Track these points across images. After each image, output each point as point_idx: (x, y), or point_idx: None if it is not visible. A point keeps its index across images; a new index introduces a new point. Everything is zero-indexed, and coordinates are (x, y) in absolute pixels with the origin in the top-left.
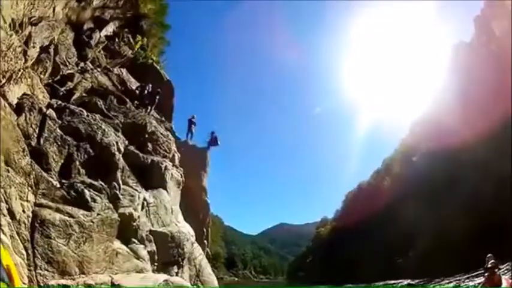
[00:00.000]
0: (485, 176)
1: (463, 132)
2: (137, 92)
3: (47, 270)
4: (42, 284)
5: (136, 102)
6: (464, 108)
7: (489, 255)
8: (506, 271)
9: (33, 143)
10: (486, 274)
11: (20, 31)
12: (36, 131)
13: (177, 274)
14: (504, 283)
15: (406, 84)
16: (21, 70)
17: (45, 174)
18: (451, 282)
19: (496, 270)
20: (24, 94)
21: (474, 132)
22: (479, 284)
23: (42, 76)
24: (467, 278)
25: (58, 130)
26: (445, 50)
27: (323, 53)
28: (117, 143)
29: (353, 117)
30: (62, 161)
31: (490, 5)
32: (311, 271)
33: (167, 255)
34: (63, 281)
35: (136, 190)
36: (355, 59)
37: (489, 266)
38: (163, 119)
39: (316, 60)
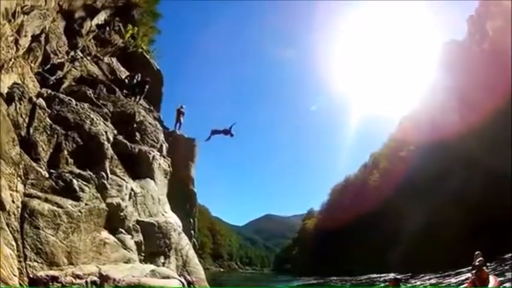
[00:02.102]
0: (474, 171)
1: (453, 127)
2: (126, 81)
3: (36, 262)
4: (31, 276)
5: (125, 91)
6: (454, 104)
7: (477, 252)
8: (491, 270)
9: (23, 133)
10: (474, 271)
11: (13, 20)
12: (26, 120)
13: (163, 264)
14: (492, 281)
15: (398, 80)
16: (12, 59)
17: (34, 164)
18: (431, 278)
19: (484, 267)
20: (14, 83)
21: (464, 127)
22: (465, 280)
23: (32, 65)
24: (450, 274)
25: (47, 119)
26: (436, 47)
27: (319, 50)
28: (106, 132)
29: (348, 114)
30: (51, 150)
31: (485, 4)
32: (297, 263)
33: (154, 245)
34: (51, 272)
35: (124, 180)
36: (350, 56)
37: (477, 263)
38: (151, 108)
39: (311, 58)
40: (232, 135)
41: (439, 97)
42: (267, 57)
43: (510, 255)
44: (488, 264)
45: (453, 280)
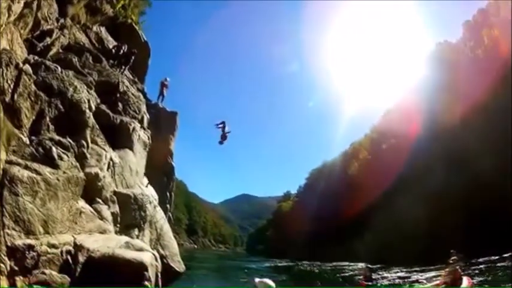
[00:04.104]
0: (453, 167)
1: (439, 122)
2: (113, 51)
3: (14, 230)
4: (9, 244)
5: (111, 61)
6: (441, 98)
7: (452, 251)
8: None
9: (7, 99)
10: (447, 269)
11: None
12: (11, 86)
13: (137, 237)
14: (465, 282)
15: (388, 76)
16: (3, 25)
17: (16, 131)
18: (397, 272)
19: (457, 267)
20: (3, 49)
21: (451, 123)
22: (434, 277)
23: (22, 31)
24: (421, 270)
25: (32, 86)
26: (429, 47)
27: (315, 48)
28: (88, 100)
29: (340, 109)
30: (34, 117)
31: (483, 12)
32: (270, 245)
33: (129, 217)
34: (28, 241)
35: (104, 149)
36: (346, 53)
37: (450, 261)
38: (136, 79)
39: (308, 57)
40: (221, 142)
41: (427, 92)
42: (262, 55)
43: (509, 254)
44: (462, 264)
45: (420, 276)
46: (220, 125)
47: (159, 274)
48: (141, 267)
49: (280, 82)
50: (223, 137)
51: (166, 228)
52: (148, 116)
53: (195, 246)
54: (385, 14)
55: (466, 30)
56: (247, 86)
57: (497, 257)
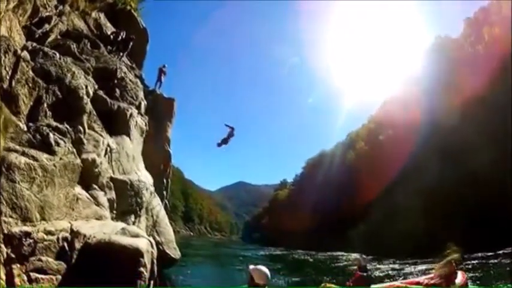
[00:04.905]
0: (450, 161)
1: (436, 115)
2: (111, 37)
3: (11, 217)
4: (6, 232)
5: (109, 47)
6: (439, 92)
7: (448, 243)
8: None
9: (5, 86)
10: (441, 263)
11: None
12: (9, 73)
13: (134, 223)
14: (459, 277)
15: (387, 71)
16: (2, 13)
17: (14, 118)
18: (390, 263)
19: (452, 260)
20: (2, 36)
21: (446, 115)
22: (426, 270)
23: (21, 18)
24: (414, 262)
25: (30, 72)
26: (429, 41)
27: (313, 48)
28: (86, 86)
29: (339, 104)
30: (31, 103)
31: (485, 10)
32: (265, 233)
33: (125, 203)
34: (25, 228)
35: (101, 135)
36: (345, 48)
37: (445, 254)
38: (134, 65)
39: (308, 55)
40: (220, 145)
41: (425, 84)
42: (261, 52)
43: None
44: (458, 258)
45: (413, 269)
46: (229, 128)
47: (155, 261)
48: (137, 253)
49: (278, 76)
50: (225, 141)
51: (163, 215)
52: (145, 102)
53: (191, 234)
54: (385, 12)
55: (467, 26)
56: (245, 78)
57: (491, 253)
